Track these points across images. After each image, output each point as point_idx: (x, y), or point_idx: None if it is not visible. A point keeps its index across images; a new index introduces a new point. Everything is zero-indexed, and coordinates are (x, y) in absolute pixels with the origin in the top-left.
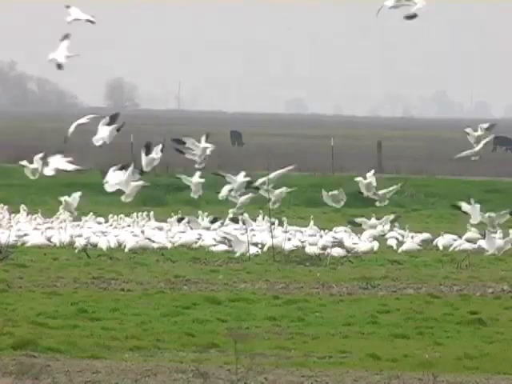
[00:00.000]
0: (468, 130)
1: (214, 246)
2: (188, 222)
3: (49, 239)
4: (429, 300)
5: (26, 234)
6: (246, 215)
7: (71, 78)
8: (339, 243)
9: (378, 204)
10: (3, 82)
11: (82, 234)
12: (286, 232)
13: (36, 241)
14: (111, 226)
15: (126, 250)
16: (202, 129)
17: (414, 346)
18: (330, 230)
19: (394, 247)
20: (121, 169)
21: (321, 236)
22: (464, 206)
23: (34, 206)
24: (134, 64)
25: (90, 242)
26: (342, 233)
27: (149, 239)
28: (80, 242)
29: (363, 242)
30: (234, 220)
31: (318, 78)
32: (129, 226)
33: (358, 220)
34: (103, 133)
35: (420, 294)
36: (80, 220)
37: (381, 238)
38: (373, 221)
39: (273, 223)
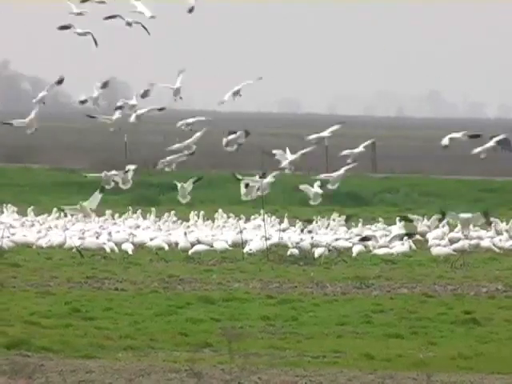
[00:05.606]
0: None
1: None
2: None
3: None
4: (423, 300)
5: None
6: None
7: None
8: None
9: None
10: None
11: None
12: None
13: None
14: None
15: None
16: (196, 128)
17: (408, 346)
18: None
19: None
20: None
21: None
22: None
23: (27, 206)
24: (127, 64)
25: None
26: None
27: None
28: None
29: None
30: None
31: (311, 78)
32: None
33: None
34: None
35: (414, 293)
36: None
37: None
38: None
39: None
